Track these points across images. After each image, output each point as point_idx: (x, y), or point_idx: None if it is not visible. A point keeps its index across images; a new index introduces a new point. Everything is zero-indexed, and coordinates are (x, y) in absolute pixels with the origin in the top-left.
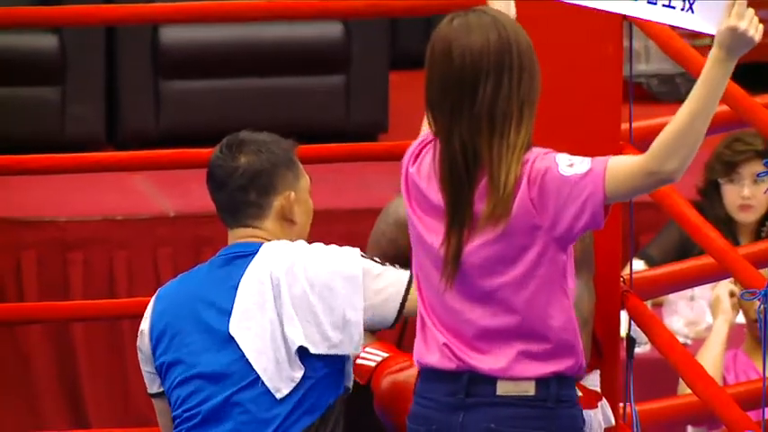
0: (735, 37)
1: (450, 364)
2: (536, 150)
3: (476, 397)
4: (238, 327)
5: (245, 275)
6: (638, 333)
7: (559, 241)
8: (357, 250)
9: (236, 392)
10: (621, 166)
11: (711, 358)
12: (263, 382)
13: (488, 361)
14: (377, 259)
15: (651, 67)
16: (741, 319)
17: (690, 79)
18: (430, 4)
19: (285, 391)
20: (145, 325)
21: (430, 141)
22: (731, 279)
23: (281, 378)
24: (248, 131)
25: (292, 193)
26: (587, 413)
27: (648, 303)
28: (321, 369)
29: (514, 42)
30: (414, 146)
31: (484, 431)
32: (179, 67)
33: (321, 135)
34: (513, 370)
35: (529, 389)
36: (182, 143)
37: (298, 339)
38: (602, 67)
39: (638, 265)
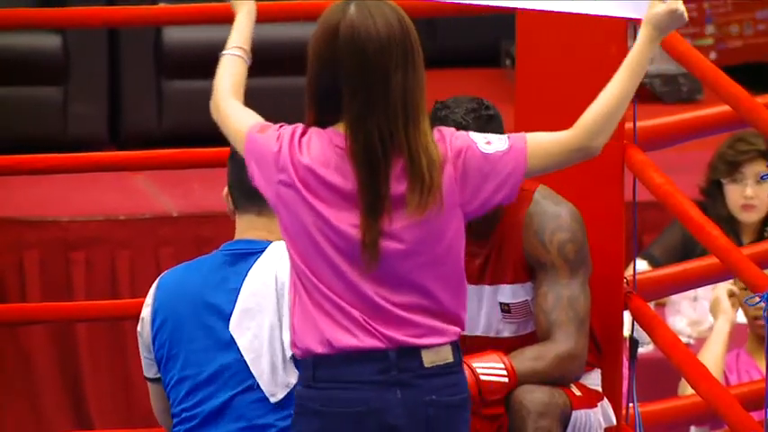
0: (673, 18)
1: (373, 342)
2: (444, 130)
3: (407, 372)
4: (239, 327)
5: (248, 275)
6: (640, 333)
7: (468, 215)
8: None
9: (235, 396)
10: (544, 143)
11: (712, 358)
12: (259, 386)
13: (410, 334)
14: None
15: (654, 67)
16: (742, 318)
17: (692, 79)
18: (433, 7)
19: (280, 396)
20: (146, 312)
21: (305, 130)
22: (731, 280)
23: (276, 383)
24: None
25: None
26: (587, 413)
27: (651, 303)
28: None
29: (411, 28)
30: (284, 137)
31: (428, 404)
32: (181, 66)
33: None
34: (432, 340)
35: (448, 356)
36: (184, 143)
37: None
38: (607, 68)
39: (641, 265)
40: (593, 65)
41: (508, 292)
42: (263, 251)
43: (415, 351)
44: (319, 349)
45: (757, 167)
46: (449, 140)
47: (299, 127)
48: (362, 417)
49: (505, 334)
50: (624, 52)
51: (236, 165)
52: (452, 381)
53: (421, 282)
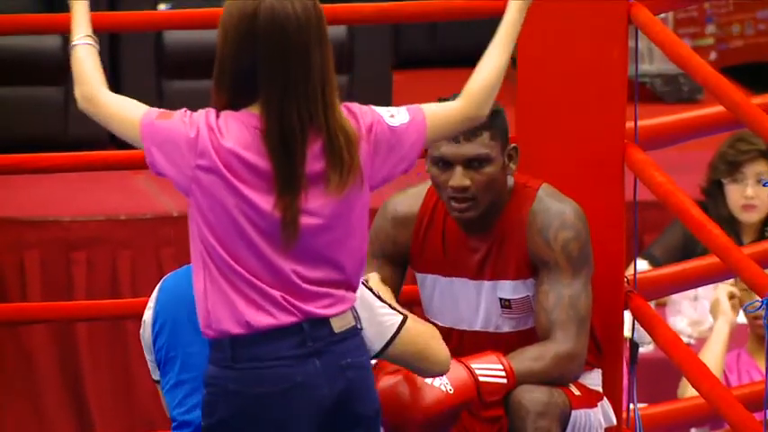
0: None
1: (290, 318)
2: (351, 106)
3: (320, 341)
4: None
5: None
6: (640, 334)
7: (372, 188)
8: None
9: None
10: (440, 113)
11: (712, 359)
12: None
13: (321, 306)
14: (378, 294)
15: (655, 67)
16: (743, 318)
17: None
18: (436, 10)
19: None
20: (147, 315)
21: (217, 113)
22: (731, 281)
23: None
24: None
25: None
26: (587, 412)
27: (652, 303)
28: None
29: (320, 8)
30: (200, 122)
31: (343, 367)
32: (182, 67)
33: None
34: (339, 307)
35: (351, 320)
36: None
37: None
38: (607, 70)
39: (642, 265)
40: (594, 66)
41: (509, 288)
42: None
43: (325, 320)
44: (236, 330)
45: (758, 167)
46: (360, 117)
47: (211, 111)
48: (288, 393)
49: (505, 329)
50: (625, 54)
51: None
52: (358, 342)
53: (334, 256)
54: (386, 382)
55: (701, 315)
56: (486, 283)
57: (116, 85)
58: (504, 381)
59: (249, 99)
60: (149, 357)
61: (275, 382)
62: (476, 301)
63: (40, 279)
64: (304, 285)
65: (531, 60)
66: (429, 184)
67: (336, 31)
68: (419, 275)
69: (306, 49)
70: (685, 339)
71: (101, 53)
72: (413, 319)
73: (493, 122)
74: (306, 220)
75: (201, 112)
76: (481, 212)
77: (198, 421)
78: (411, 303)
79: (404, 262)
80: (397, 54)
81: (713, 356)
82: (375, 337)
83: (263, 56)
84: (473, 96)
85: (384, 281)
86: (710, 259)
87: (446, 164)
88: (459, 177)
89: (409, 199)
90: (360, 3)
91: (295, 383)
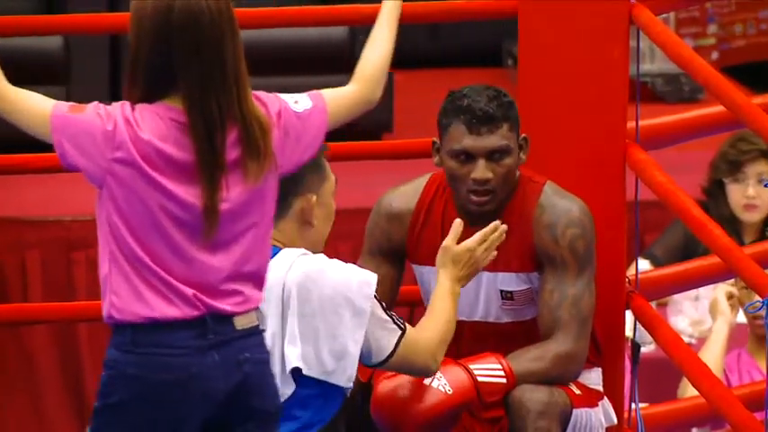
0: None
1: (196, 312)
2: (260, 94)
3: (222, 335)
4: None
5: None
6: (641, 334)
7: (282, 175)
8: (374, 281)
9: None
10: (339, 98)
11: (712, 359)
12: None
13: (227, 302)
14: (384, 305)
15: (656, 66)
16: (743, 318)
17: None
18: (437, 10)
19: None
20: None
21: (132, 106)
22: (731, 281)
23: None
24: None
25: (314, 197)
26: (588, 412)
27: (653, 303)
28: (314, 387)
29: (230, 2)
30: (116, 115)
31: (241, 362)
32: None
33: (325, 134)
34: (244, 306)
35: (254, 319)
36: None
37: (293, 360)
38: (609, 70)
39: (643, 264)
40: (595, 66)
41: (512, 280)
42: (272, 257)
43: (230, 318)
44: (140, 318)
45: (759, 167)
46: (269, 104)
47: (126, 104)
48: (184, 383)
49: (505, 320)
50: (626, 54)
51: None
52: (259, 340)
53: (247, 245)
54: (385, 385)
55: (703, 315)
56: (486, 274)
57: (116, 85)
58: (504, 381)
59: (163, 92)
60: None
61: (173, 371)
62: (475, 292)
63: (41, 279)
64: (216, 280)
65: (532, 60)
66: (425, 180)
67: (336, 32)
68: (417, 268)
69: (220, 40)
70: (686, 339)
71: (101, 54)
72: (409, 331)
73: (510, 114)
74: (225, 208)
75: (117, 104)
76: (497, 204)
77: None
78: (413, 303)
79: (401, 257)
80: (398, 54)
81: (712, 357)
82: (377, 351)
83: (178, 49)
84: (367, 79)
85: (383, 278)
86: (711, 259)
87: (468, 157)
88: (482, 170)
89: (404, 195)
90: (360, 3)
91: (191, 374)
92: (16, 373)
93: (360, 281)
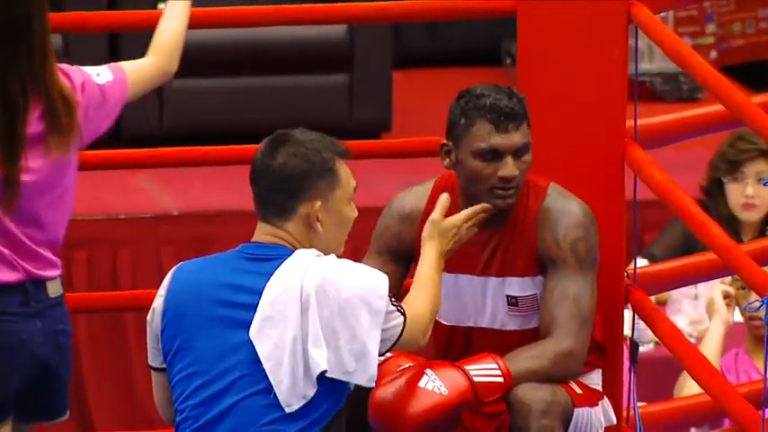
0: None
1: (16, 275)
2: (65, 68)
3: (41, 302)
4: (259, 334)
5: (271, 280)
6: (640, 333)
7: (82, 147)
8: (386, 280)
9: (245, 398)
10: (138, 70)
11: (708, 358)
12: (275, 394)
13: (40, 267)
14: (392, 299)
15: (655, 65)
16: (740, 317)
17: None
18: (436, 9)
19: (295, 407)
20: (158, 302)
21: None
22: (722, 279)
23: (294, 394)
24: (301, 130)
25: (319, 203)
26: (589, 411)
27: (652, 300)
28: (329, 384)
29: None
30: None
31: (58, 332)
32: (182, 65)
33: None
34: (52, 272)
35: (60, 288)
36: (185, 141)
37: (322, 363)
38: (608, 69)
39: (642, 263)
40: (594, 65)
41: (517, 285)
42: (285, 257)
43: (43, 283)
44: None
45: (758, 166)
46: (73, 77)
47: None
48: (14, 348)
49: (510, 327)
50: (625, 53)
51: (250, 177)
52: (65, 310)
53: (50, 216)
54: (382, 391)
55: (702, 314)
56: (493, 279)
57: None
58: (501, 380)
59: None
60: (153, 345)
61: (3, 337)
62: (482, 298)
63: None
64: (27, 242)
65: (530, 59)
66: (434, 181)
67: (336, 30)
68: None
69: (29, 19)
70: None
71: (100, 51)
72: (409, 315)
73: (526, 111)
74: (26, 181)
75: None
76: (495, 209)
77: (208, 415)
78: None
79: (408, 258)
80: (397, 53)
81: (708, 356)
82: (386, 341)
83: None
84: (164, 51)
85: (388, 276)
86: (711, 255)
87: (494, 155)
88: (510, 167)
89: (415, 196)
90: (360, 2)
91: (20, 340)
92: None
93: (374, 281)
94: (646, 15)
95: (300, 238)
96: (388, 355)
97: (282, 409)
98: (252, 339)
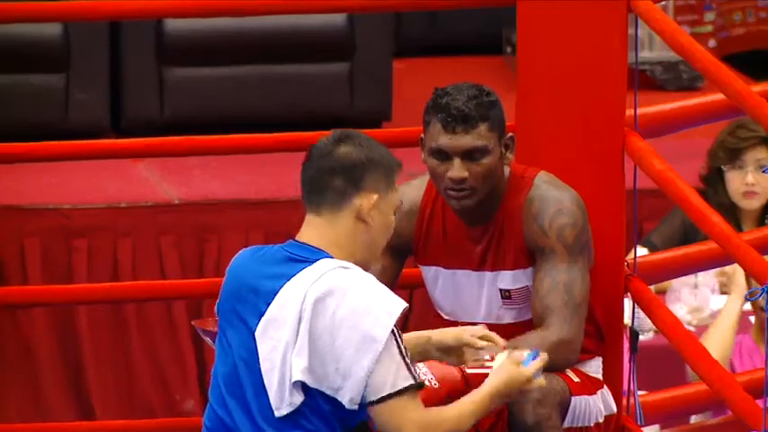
0: None
1: None
2: None
3: None
4: (263, 335)
5: (287, 284)
6: (640, 322)
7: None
8: (396, 312)
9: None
10: None
11: (722, 334)
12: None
13: None
14: (403, 347)
15: (655, 54)
16: (747, 305)
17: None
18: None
19: (284, 412)
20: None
21: None
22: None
23: (282, 399)
24: (359, 131)
25: (376, 196)
26: (587, 399)
27: (651, 289)
28: (325, 401)
29: None
30: None
31: None
32: (183, 54)
33: (324, 122)
34: None
35: None
36: (185, 130)
37: (296, 373)
38: (607, 57)
39: (642, 252)
40: (594, 54)
41: (509, 278)
42: (312, 263)
43: None
44: None
45: (758, 154)
46: None
47: None
48: None
49: (506, 320)
50: (625, 42)
51: (306, 161)
52: None
53: None
54: None
55: (701, 302)
56: (488, 274)
57: (116, 72)
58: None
59: None
60: None
61: None
62: (478, 293)
63: (41, 267)
64: None
65: (531, 48)
66: (428, 175)
67: (336, 19)
68: (423, 268)
69: None
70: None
71: (101, 40)
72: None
73: (490, 113)
74: None
75: None
76: (479, 201)
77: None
78: (412, 286)
79: (405, 252)
80: (398, 42)
81: (722, 334)
82: (373, 387)
83: None
84: None
85: (384, 270)
86: (710, 244)
87: (444, 155)
88: (457, 169)
89: (412, 190)
90: None
91: None
92: (16, 362)
93: (382, 310)
94: (646, 4)
95: (347, 237)
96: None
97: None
98: (256, 338)
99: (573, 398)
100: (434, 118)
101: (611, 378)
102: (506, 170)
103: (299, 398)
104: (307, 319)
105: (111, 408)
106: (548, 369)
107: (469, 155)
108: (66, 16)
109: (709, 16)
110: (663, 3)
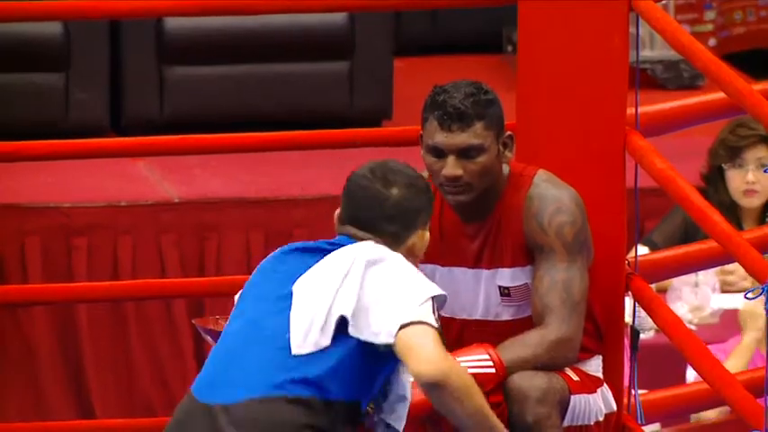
0: None
1: None
2: None
3: None
4: (300, 285)
5: (337, 250)
6: (641, 321)
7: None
8: (436, 291)
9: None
10: None
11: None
12: (288, 339)
13: None
14: (437, 315)
15: (656, 53)
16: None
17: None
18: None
19: (303, 351)
20: None
21: None
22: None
23: (305, 339)
24: (393, 161)
25: (426, 233)
26: (587, 398)
27: (652, 288)
28: (349, 358)
29: None
30: None
31: None
32: (183, 52)
33: (325, 121)
34: None
35: None
36: (185, 129)
37: (343, 308)
38: (608, 56)
39: (642, 251)
40: (594, 53)
41: (507, 276)
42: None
43: None
44: None
45: (759, 152)
46: None
47: None
48: None
49: (504, 317)
50: (626, 41)
51: (350, 200)
52: None
53: None
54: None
55: (702, 301)
56: (485, 272)
57: (116, 70)
58: (492, 371)
59: None
60: None
61: None
62: (475, 290)
63: (41, 265)
64: None
65: (531, 47)
66: (426, 172)
67: (337, 18)
68: (420, 265)
69: None
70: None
71: (101, 39)
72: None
73: (487, 111)
74: None
75: None
76: (476, 197)
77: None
78: None
79: None
80: (398, 40)
81: (736, 368)
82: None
83: None
84: None
85: None
86: (711, 243)
87: (440, 153)
88: (451, 167)
89: None
90: None
91: None
92: (16, 360)
93: (425, 281)
94: (647, 3)
95: None
96: None
97: (293, 354)
98: (294, 290)
99: (572, 396)
100: (431, 115)
101: (612, 377)
102: (505, 168)
103: (326, 341)
104: (358, 270)
105: (112, 406)
106: (547, 368)
107: (465, 153)
108: (67, 15)
109: (710, 15)
110: (663, 2)
